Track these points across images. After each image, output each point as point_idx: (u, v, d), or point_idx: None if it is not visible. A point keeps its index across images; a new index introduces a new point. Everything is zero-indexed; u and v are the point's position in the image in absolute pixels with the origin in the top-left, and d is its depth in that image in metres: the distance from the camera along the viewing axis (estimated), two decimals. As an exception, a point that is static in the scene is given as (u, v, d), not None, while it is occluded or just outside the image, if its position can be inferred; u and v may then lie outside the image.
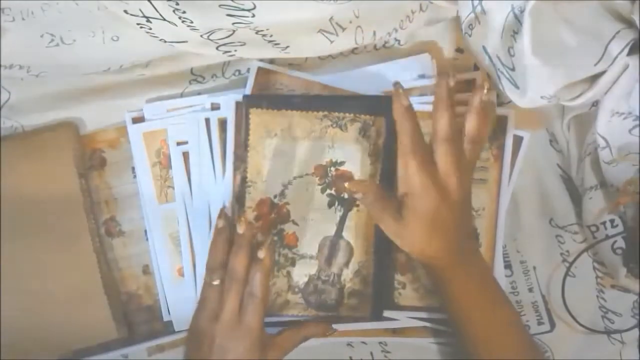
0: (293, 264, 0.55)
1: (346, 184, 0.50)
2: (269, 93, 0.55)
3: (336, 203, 0.55)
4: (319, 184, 0.55)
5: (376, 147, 0.55)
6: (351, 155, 0.55)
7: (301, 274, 0.55)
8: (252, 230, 0.52)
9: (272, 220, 0.55)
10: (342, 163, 0.55)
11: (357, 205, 0.55)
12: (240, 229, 0.51)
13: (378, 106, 0.54)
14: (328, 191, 0.55)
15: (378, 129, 0.55)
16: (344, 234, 0.55)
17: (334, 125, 0.54)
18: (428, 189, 0.47)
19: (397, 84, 0.49)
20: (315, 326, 0.54)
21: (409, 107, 0.49)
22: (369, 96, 0.55)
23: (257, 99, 0.54)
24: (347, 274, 0.55)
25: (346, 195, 0.55)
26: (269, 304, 0.54)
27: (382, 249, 0.55)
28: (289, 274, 0.55)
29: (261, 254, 0.49)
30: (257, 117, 0.54)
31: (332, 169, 0.55)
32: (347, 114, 0.54)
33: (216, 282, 0.50)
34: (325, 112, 0.54)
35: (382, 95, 0.55)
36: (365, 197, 0.50)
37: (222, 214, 0.53)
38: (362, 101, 0.55)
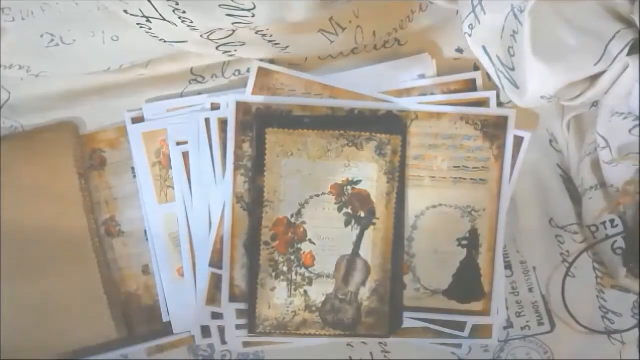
0: (310, 283, 0.55)
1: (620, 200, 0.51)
2: (281, 113, 0.55)
3: (353, 222, 0.55)
4: (336, 203, 0.55)
5: (392, 165, 0.55)
6: (367, 173, 0.55)
7: (318, 292, 0.55)
8: None
9: (289, 239, 0.55)
10: (358, 182, 0.55)
11: (374, 224, 0.55)
12: None
13: (393, 125, 0.54)
14: (345, 210, 0.55)
15: (394, 147, 0.55)
16: (361, 252, 0.55)
17: (350, 144, 0.54)
18: None
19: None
20: None
21: None
22: (385, 115, 0.55)
23: (269, 119, 0.54)
24: (364, 293, 0.55)
25: (362, 214, 0.55)
26: (286, 323, 0.55)
27: (399, 266, 0.55)
28: (306, 293, 0.55)
29: None
30: (274, 137, 0.54)
31: (349, 187, 0.55)
32: (362, 133, 0.54)
33: None
34: (342, 131, 0.54)
35: (397, 114, 0.55)
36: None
37: None
38: (378, 120, 0.55)
